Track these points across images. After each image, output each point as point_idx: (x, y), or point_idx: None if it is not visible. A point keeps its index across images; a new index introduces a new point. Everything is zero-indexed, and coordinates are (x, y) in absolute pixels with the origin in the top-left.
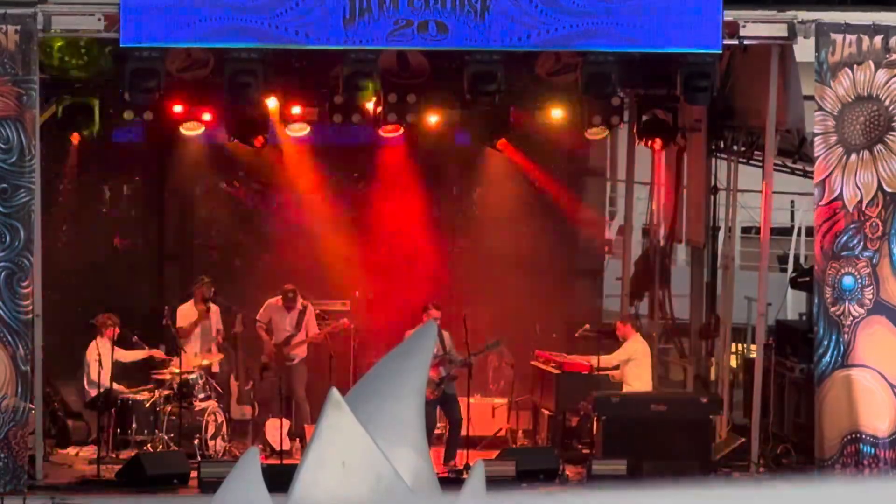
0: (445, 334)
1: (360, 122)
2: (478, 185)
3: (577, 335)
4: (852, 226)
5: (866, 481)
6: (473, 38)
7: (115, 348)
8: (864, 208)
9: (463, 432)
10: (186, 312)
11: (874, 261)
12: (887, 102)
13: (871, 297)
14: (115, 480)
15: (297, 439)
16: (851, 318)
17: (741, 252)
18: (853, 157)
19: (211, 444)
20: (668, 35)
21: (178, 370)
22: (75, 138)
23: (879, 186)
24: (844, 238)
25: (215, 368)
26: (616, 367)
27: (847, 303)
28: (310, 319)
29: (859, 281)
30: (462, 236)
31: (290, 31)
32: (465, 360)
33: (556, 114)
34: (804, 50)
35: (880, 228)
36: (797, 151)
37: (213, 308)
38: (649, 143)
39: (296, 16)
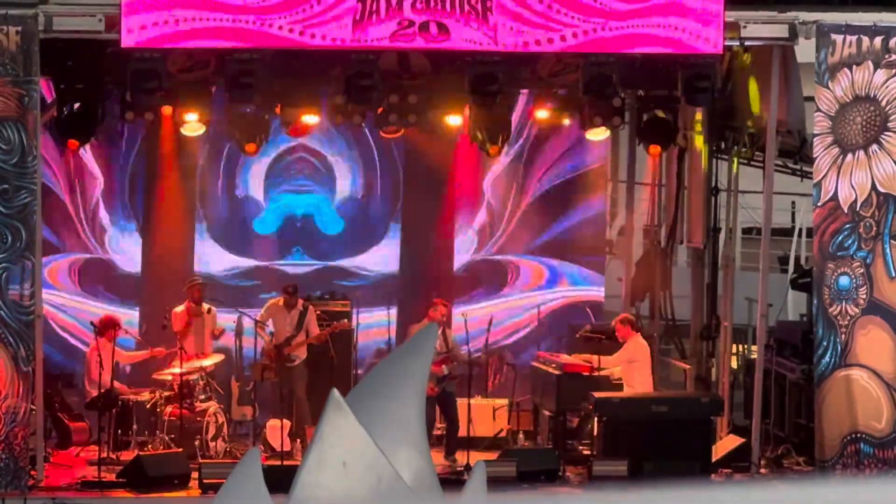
0: (449, 332)
1: (360, 123)
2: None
3: (577, 335)
4: (847, 226)
5: (866, 481)
6: (476, 39)
7: (116, 349)
8: (858, 209)
9: (463, 433)
10: (180, 315)
11: (868, 261)
12: (884, 103)
13: (864, 296)
14: (116, 481)
15: (298, 440)
16: (848, 317)
17: (742, 253)
18: (849, 157)
19: (212, 445)
20: (670, 36)
21: (178, 370)
22: (73, 144)
23: (873, 186)
24: (840, 238)
25: (210, 369)
26: (617, 368)
27: (843, 303)
28: (311, 320)
29: (854, 281)
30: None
31: (294, 32)
32: (469, 359)
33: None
34: (805, 51)
35: (874, 229)
36: (798, 152)
37: (212, 309)
38: (647, 149)
39: (305, 16)
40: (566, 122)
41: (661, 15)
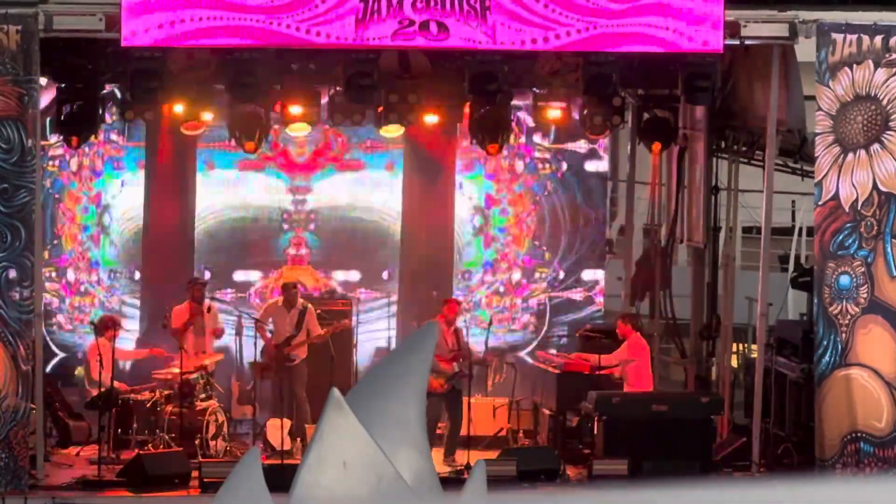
0: (461, 330)
1: (360, 122)
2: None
3: (577, 334)
4: (848, 225)
5: (866, 481)
6: (475, 38)
7: (116, 348)
8: (859, 208)
9: (464, 432)
10: (180, 313)
11: (869, 260)
12: (885, 102)
13: (865, 295)
14: (116, 480)
15: (298, 439)
16: (849, 316)
17: (742, 252)
18: (850, 156)
19: (212, 444)
20: (669, 35)
21: (178, 369)
22: (74, 142)
23: (874, 185)
24: (840, 237)
25: (211, 368)
26: (616, 366)
27: (844, 302)
28: (311, 320)
29: (855, 280)
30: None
31: (300, 31)
32: (475, 358)
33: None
34: (805, 50)
35: (875, 228)
36: (798, 151)
37: (212, 308)
38: (649, 147)
39: (310, 16)
40: (566, 120)
41: (657, 14)
